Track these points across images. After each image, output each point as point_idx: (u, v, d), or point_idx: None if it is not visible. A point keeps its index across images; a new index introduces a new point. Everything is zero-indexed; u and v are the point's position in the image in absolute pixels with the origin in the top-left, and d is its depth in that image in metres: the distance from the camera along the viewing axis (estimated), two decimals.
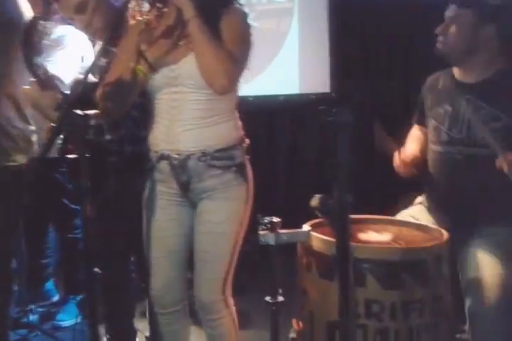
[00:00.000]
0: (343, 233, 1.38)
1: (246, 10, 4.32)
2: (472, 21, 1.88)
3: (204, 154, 1.69)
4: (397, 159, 2.04)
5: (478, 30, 1.89)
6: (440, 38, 1.95)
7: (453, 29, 1.91)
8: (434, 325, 1.62)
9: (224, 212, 1.73)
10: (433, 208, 2.05)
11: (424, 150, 2.09)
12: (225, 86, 1.63)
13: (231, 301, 1.81)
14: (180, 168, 1.71)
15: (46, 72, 1.88)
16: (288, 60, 3.72)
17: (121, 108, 1.71)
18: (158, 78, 1.71)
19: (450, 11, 1.94)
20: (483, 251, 1.82)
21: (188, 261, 1.84)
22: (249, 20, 1.77)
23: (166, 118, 1.72)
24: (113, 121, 1.94)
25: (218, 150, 1.70)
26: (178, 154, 1.70)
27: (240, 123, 1.81)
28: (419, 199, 2.17)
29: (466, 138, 1.92)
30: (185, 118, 1.69)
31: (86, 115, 1.86)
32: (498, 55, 1.94)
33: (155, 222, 1.80)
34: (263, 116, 3.75)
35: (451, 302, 1.71)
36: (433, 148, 2.04)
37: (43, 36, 1.95)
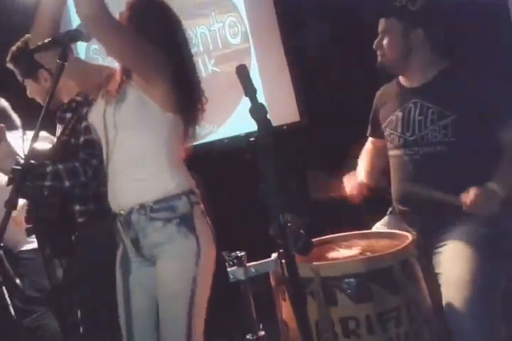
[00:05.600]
0: (288, 253, 1.36)
1: (205, 57, 4.40)
2: (400, 29, 1.96)
3: (143, 206, 1.66)
4: (347, 188, 2.15)
5: (407, 36, 1.97)
6: (378, 52, 2.04)
7: (385, 41, 2.00)
8: (415, 332, 1.57)
9: (171, 273, 1.67)
10: (402, 213, 2.02)
11: (374, 161, 2.18)
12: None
13: None
14: (126, 224, 1.69)
15: None
16: None
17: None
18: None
19: (380, 25, 2.04)
20: (454, 249, 1.79)
21: None
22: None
23: (109, 173, 1.74)
24: (71, 166, 1.94)
25: (158, 201, 1.66)
26: (123, 210, 1.70)
27: (187, 173, 1.77)
28: (390, 209, 2.16)
29: (419, 139, 1.95)
30: (122, 170, 1.69)
31: (42, 163, 1.89)
32: (435, 57, 2.00)
33: (119, 287, 1.77)
34: (241, 155, 3.78)
35: (430, 305, 1.66)
36: (391, 153, 2.08)
37: None
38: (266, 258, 1.83)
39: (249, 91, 1.38)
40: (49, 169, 1.87)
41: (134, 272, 1.76)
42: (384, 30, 2.00)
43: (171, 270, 1.66)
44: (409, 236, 1.74)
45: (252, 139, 1.43)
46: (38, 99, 2.23)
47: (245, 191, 3.53)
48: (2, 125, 1.72)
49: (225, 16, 3.98)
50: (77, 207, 2.09)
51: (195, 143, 1.87)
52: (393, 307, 1.56)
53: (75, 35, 1.70)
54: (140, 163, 1.69)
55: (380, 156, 2.16)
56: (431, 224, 1.90)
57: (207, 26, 4.00)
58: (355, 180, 2.16)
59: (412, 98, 1.99)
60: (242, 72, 1.37)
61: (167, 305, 1.67)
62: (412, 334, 1.56)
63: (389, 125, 2.07)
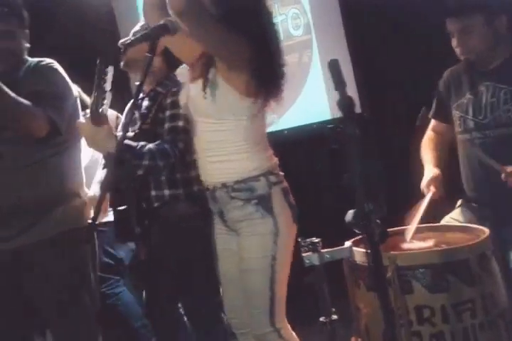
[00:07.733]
0: (372, 242, 1.40)
1: None
2: (485, 23, 1.96)
3: (224, 186, 1.75)
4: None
5: (493, 24, 1.97)
6: (460, 50, 2.02)
7: (471, 37, 1.98)
8: (490, 324, 1.59)
9: (251, 249, 1.75)
10: (474, 203, 2.03)
11: (439, 150, 2.16)
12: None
13: (287, 331, 1.79)
14: (212, 198, 1.80)
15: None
16: (315, 88, 3.82)
17: None
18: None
19: (455, 23, 2.00)
20: None
21: None
22: None
23: (197, 151, 1.85)
24: (162, 148, 2.00)
25: (238, 182, 1.73)
26: (209, 185, 1.80)
27: (267, 154, 1.81)
28: (460, 201, 2.16)
29: (492, 121, 1.96)
30: (205, 150, 1.79)
31: (139, 144, 1.97)
32: (510, 41, 2.02)
33: (216, 252, 1.90)
34: (301, 146, 3.82)
35: (506, 299, 1.68)
36: (461, 137, 2.07)
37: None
38: (337, 246, 1.89)
39: (340, 85, 1.43)
40: (145, 149, 1.95)
41: (222, 239, 1.86)
42: (465, 27, 1.97)
43: (251, 246, 1.75)
44: (485, 231, 1.75)
45: (338, 129, 1.48)
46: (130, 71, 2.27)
47: (320, 180, 3.59)
48: (105, 113, 1.81)
49: (288, 8, 4.00)
50: (153, 193, 2.18)
51: None
52: (468, 298, 1.59)
53: (162, 29, 1.77)
54: (219, 145, 1.75)
55: (444, 144, 2.15)
56: (503, 216, 1.90)
57: None
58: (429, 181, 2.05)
59: (484, 81, 2.00)
60: (334, 67, 1.42)
61: (248, 278, 1.76)
62: (487, 327, 1.59)
63: (459, 108, 2.07)
